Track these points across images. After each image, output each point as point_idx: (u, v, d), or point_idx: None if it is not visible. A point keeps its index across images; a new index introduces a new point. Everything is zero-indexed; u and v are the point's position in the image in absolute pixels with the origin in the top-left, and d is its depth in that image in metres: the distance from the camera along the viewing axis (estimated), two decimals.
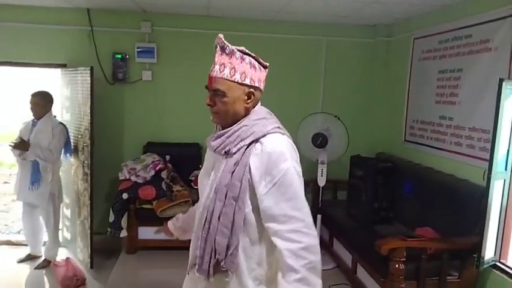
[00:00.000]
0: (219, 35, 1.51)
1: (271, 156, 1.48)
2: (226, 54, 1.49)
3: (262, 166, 1.47)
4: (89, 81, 3.70)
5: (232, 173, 1.48)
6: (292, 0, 3.67)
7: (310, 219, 1.51)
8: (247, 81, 1.51)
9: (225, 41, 1.50)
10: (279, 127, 1.58)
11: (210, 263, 1.51)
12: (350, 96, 4.83)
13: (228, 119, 1.54)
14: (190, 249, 1.64)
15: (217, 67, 1.50)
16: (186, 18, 4.51)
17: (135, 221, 4.13)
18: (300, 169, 1.56)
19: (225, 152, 1.52)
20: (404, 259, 2.80)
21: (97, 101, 3.81)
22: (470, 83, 3.27)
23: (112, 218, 4.07)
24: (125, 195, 4.05)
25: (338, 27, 4.69)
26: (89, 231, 3.78)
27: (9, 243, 4.47)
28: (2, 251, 4.31)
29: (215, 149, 1.55)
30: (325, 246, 4.32)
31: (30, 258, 4.04)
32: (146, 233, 4.16)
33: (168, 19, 4.49)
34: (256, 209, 1.51)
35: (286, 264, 1.45)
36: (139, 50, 4.45)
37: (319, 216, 4.18)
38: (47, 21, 4.35)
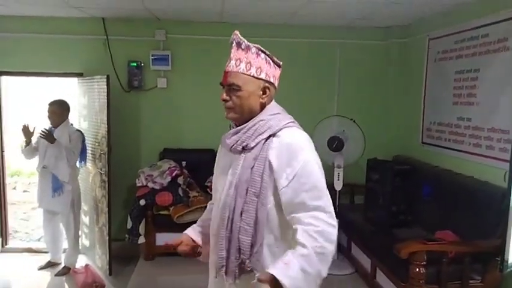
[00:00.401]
0: (235, 31, 1.53)
1: (289, 148, 1.47)
2: (242, 50, 1.52)
3: (282, 158, 1.46)
4: (106, 90, 3.75)
5: (252, 168, 1.47)
6: (306, 4, 3.67)
7: (331, 209, 1.49)
8: (263, 76, 1.53)
9: (241, 37, 1.52)
10: (293, 122, 1.59)
11: (235, 264, 1.47)
12: (365, 98, 4.79)
13: (244, 114, 1.53)
14: (212, 252, 1.60)
15: (232, 62, 1.51)
16: (200, 25, 4.55)
17: (152, 227, 4.15)
18: (320, 161, 1.54)
19: (243, 147, 1.51)
20: (425, 263, 2.75)
21: (114, 109, 3.85)
22: (488, 83, 3.22)
23: (129, 225, 4.10)
24: (142, 202, 4.08)
25: (351, 30, 4.67)
26: (107, 238, 3.81)
27: (30, 250, 4.55)
28: (23, 258, 4.38)
29: (231, 147, 1.53)
30: (343, 251, 4.28)
31: (50, 265, 4.10)
32: (164, 239, 4.18)
33: (182, 26, 4.54)
34: (278, 204, 1.48)
35: (297, 240, 1.42)
36: (154, 57, 4.49)
37: (336, 221, 4.15)
38: (63, 31, 4.43)
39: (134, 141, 4.60)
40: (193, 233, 1.79)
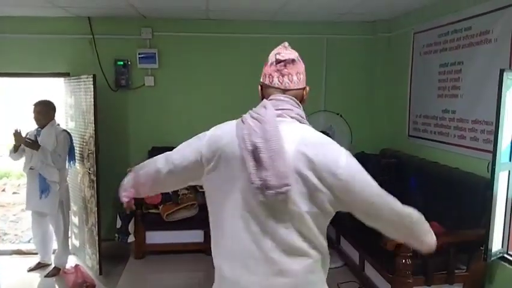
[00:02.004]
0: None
1: None
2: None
3: None
4: (92, 89, 3.73)
5: None
6: (289, 1, 3.68)
7: None
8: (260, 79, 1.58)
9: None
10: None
11: None
12: (352, 93, 4.82)
13: None
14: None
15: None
16: (186, 23, 4.54)
17: (142, 226, 4.15)
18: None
19: None
20: (411, 254, 2.79)
21: (101, 108, 3.84)
22: (472, 75, 3.26)
23: (119, 224, 4.10)
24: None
25: (337, 25, 4.69)
26: (97, 238, 3.81)
27: (19, 252, 4.52)
28: (13, 260, 4.36)
29: None
30: (332, 244, 4.31)
31: (40, 266, 4.08)
32: (154, 237, 4.20)
33: (168, 24, 4.53)
34: None
35: None
36: (141, 56, 4.49)
37: None
38: (49, 31, 4.41)
39: (122, 140, 4.59)
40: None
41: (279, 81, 1.53)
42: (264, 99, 1.53)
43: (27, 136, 3.82)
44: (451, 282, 2.93)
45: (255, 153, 1.32)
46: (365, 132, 4.73)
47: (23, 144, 3.74)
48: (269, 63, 1.54)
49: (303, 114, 1.55)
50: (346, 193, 1.39)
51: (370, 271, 3.43)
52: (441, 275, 2.91)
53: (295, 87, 1.55)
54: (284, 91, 1.52)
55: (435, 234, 2.67)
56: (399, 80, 4.38)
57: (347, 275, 3.85)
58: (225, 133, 1.45)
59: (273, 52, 1.56)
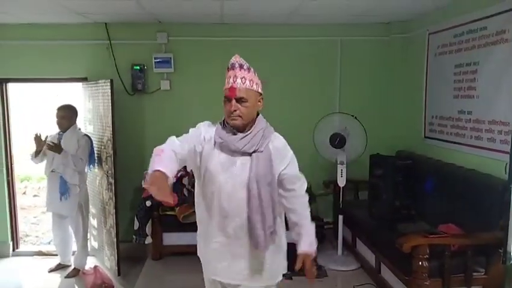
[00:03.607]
0: (236, 54, 1.93)
1: (283, 149, 2.03)
2: (245, 70, 1.91)
3: (279, 156, 1.98)
4: (110, 93, 3.80)
5: (265, 164, 1.91)
6: (304, 4, 3.70)
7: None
8: (260, 90, 1.98)
9: (242, 60, 1.93)
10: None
11: (267, 234, 1.92)
12: (367, 95, 4.81)
13: (249, 121, 1.95)
14: (225, 225, 1.95)
15: (238, 80, 1.89)
16: (200, 27, 4.60)
17: (159, 228, 4.21)
18: None
19: (254, 150, 1.92)
20: (427, 256, 2.78)
21: (118, 112, 3.92)
22: (488, 76, 3.23)
23: (136, 226, 4.16)
24: (148, 203, 4.14)
25: (352, 26, 4.69)
26: (115, 240, 3.87)
27: (40, 253, 4.64)
28: (34, 261, 4.47)
29: (241, 148, 1.91)
30: (348, 246, 4.31)
31: (60, 267, 4.18)
32: (171, 239, 4.25)
33: (183, 29, 4.59)
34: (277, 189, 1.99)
35: (301, 202, 2.06)
36: (157, 60, 4.56)
37: (340, 217, 4.18)
38: (67, 37, 4.51)
39: (139, 143, 4.66)
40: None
41: None
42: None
43: (49, 140, 3.92)
44: (468, 285, 2.90)
45: None
46: (380, 133, 4.71)
47: (45, 148, 3.84)
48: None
49: None
50: None
51: (386, 273, 3.42)
52: (459, 277, 2.88)
53: None
54: None
55: (452, 236, 2.67)
56: (415, 81, 4.35)
57: (362, 277, 3.84)
58: None
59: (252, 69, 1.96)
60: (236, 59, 1.91)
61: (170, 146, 1.88)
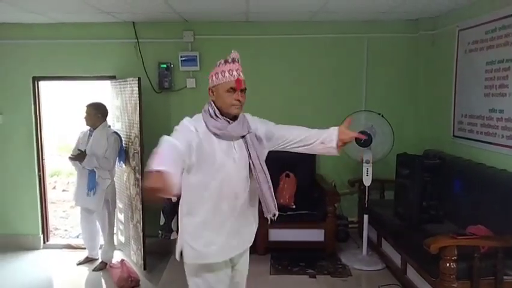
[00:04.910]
0: (234, 51, 2.12)
1: (252, 118, 2.24)
2: (239, 63, 2.10)
3: (254, 125, 2.20)
4: (137, 91, 3.88)
5: (257, 141, 2.12)
6: (329, 1, 3.67)
7: None
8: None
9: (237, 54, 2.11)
10: None
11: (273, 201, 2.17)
12: (394, 93, 4.74)
13: None
14: (234, 198, 2.10)
15: (240, 72, 2.08)
16: (226, 25, 4.62)
17: None
18: None
19: (247, 132, 2.11)
20: (456, 258, 2.72)
21: (145, 110, 3.98)
22: None
23: (162, 221, 4.22)
24: (174, 198, 4.17)
25: (378, 23, 4.63)
26: (141, 234, 3.95)
27: (69, 246, 4.77)
28: (63, 254, 4.60)
29: (241, 133, 2.09)
30: (373, 246, 4.26)
31: (88, 260, 4.29)
32: None
33: (209, 27, 4.62)
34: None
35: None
36: (183, 58, 4.61)
37: (366, 217, 4.14)
38: (97, 36, 4.62)
39: None
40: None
41: None
42: None
43: (81, 135, 4.11)
44: None
45: None
46: (408, 132, 4.63)
47: (69, 158, 4.04)
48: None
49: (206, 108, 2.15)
50: None
51: (412, 274, 3.37)
52: (489, 280, 2.81)
53: None
54: None
55: (481, 237, 2.61)
56: (443, 79, 4.25)
57: (388, 277, 3.79)
58: None
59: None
60: (235, 55, 2.10)
61: (169, 143, 1.87)
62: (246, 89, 2.10)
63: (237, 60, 2.09)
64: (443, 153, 4.08)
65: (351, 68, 4.75)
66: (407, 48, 4.70)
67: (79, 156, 3.95)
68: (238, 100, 2.04)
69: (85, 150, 3.99)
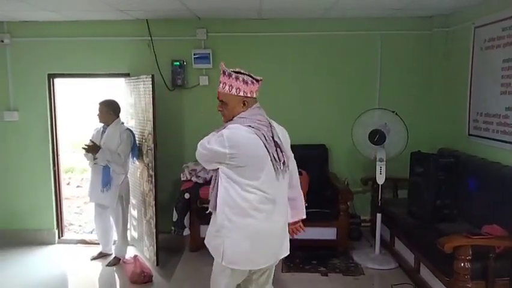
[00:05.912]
0: (221, 62, 2.19)
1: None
2: (226, 76, 2.16)
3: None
4: (151, 88, 3.89)
5: None
6: None
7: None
8: (241, 94, 2.16)
9: (225, 68, 2.16)
10: (249, 125, 2.13)
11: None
12: (408, 90, 4.70)
13: (228, 119, 2.23)
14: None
15: (220, 85, 2.18)
16: (239, 23, 4.63)
17: (197, 220, 4.28)
18: (227, 149, 2.12)
19: None
20: (470, 257, 2.69)
21: (159, 107, 4.00)
22: None
23: (175, 217, 4.25)
24: (187, 195, 4.22)
25: (392, 20, 4.59)
26: (154, 230, 3.98)
27: (83, 242, 4.83)
28: (77, 249, 4.67)
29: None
30: (386, 245, 4.24)
31: (101, 256, 4.33)
32: None
33: (222, 25, 4.63)
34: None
35: None
36: (196, 56, 4.62)
37: (379, 215, 4.11)
38: (111, 34, 4.66)
39: (179, 137, 4.76)
40: None
41: (256, 94, 2.22)
42: (255, 109, 2.21)
43: (95, 132, 4.13)
44: None
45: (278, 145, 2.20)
46: (422, 130, 4.59)
47: (83, 149, 4.04)
48: (249, 83, 2.16)
49: None
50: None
51: (426, 274, 3.34)
52: (504, 281, 2.78)
53: None
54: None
55: (497, 237, 2.57)
56: (458, 77, 4.20)
57: (401, 277, 3.77)
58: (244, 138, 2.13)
59: (240, 75, 2.16)
60: (220, 67, 2.18)
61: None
62: (223, 101, 2.19)
63: (221, 72, 2.20)
64: (458, 152, 4.03)
65: (364, 65, 4.72)
66: (421, 45, 4.65)
67: (91, 148, 3.97)
68: (220, 109, 2.23)
69: (102, 136, 4.03)
